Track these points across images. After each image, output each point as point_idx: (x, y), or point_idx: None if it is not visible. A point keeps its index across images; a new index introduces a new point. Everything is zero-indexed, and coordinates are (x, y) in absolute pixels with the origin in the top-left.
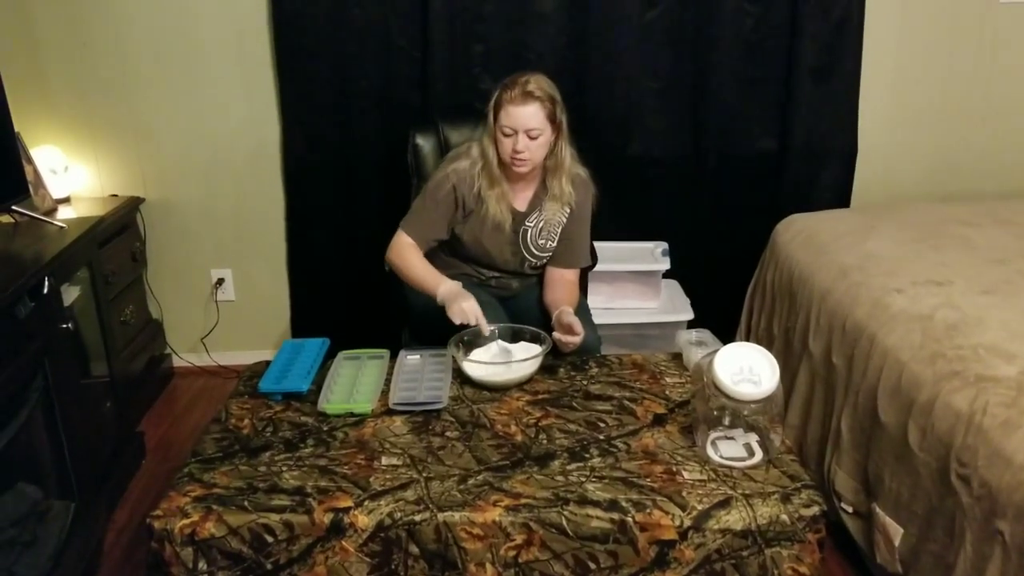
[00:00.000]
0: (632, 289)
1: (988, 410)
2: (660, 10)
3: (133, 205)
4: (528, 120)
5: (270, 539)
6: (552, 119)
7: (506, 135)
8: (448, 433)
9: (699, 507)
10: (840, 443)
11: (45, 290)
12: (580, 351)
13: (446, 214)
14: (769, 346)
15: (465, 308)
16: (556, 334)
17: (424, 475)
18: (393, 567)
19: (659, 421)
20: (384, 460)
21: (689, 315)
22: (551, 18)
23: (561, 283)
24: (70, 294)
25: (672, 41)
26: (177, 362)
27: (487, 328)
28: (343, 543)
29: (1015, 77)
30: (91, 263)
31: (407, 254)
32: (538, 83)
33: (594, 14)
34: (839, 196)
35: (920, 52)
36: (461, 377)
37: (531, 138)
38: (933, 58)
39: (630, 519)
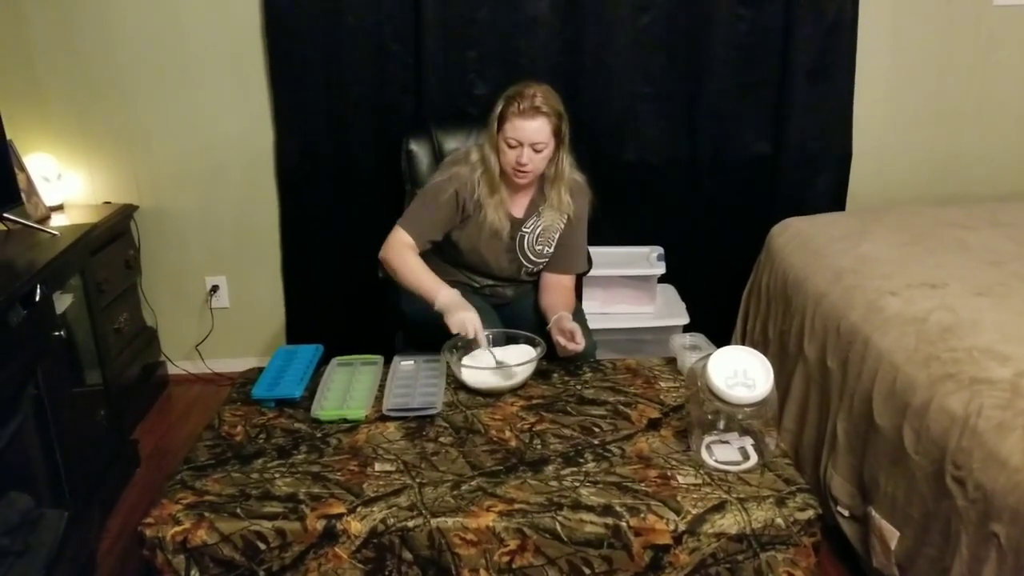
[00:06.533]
0: (627, 294)
1: (983, 412)
2: (653, 15)
3: (127, 213)
4: (534, 134)
5: (262, 546)
6: (557, 133)
7: (511, 147)
8: (442, 439)
9: (694, 511)
10: (835, 446)
11: (37, 298)
12: (575, 356)
13: (445, 218)
14: (764, 350)
15: (465, 320)
16: (559, 338)
17: (417, 481)
18: (387, 573)
19: (653, 425)
20: (377, 466)
21: (684, 319)
22: (544, 23)
23: (557, 288)
24: (63, 302)
25: (666, 46)
26: (172, 370)
27: (484, 342)
28: (336, 550)
29: (1009, 79)
30: (84, 271)
31: (406, 255)
32: (545, 97)
33: (587, 19)
34: (834, 199)
35: (914, 55)
36: (455, 383)
37: (535, 151)
38: (927, 61)
39: (624, 524)
